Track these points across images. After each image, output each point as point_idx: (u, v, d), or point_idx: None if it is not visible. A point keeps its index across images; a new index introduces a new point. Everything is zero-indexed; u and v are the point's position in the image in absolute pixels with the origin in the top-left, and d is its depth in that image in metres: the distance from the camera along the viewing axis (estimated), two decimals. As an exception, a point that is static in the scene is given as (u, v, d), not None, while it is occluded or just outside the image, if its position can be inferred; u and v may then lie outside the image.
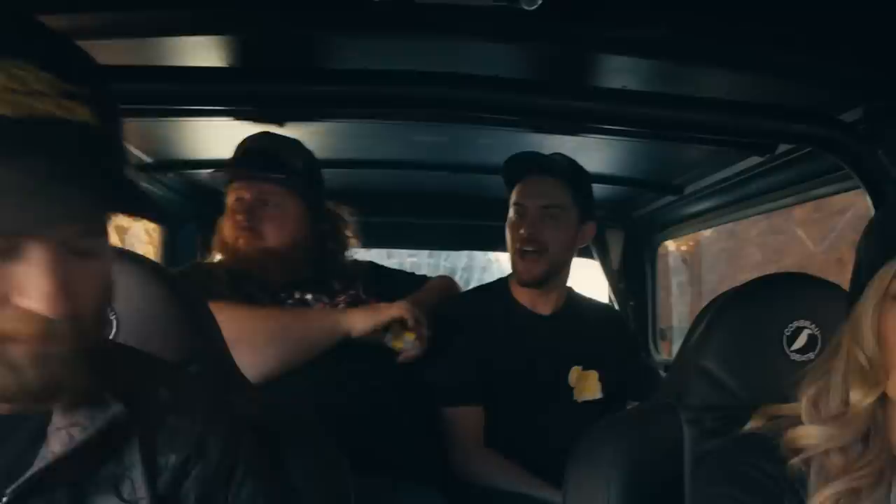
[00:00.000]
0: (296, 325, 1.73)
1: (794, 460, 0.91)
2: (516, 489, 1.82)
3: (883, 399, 0.89)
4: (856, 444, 0.90)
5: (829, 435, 0.90)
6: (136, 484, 0.81)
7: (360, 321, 1.75)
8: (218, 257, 1.94)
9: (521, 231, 1.92)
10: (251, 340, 1.60)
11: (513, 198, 1.97)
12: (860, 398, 0.89)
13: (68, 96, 0.68)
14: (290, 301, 1.85)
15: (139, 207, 0.71)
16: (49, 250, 0.68)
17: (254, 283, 1.84)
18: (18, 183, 0.64)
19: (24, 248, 0.68)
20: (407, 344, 1.78)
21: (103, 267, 0.75)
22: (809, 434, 0.91)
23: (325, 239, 1.95)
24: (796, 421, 0.94)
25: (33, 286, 0.68)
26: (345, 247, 2.00)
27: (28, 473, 0.74)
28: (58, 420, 0.78)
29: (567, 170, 1.95)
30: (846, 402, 0.90)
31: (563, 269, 2.00)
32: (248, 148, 1.86)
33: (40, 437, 0.77)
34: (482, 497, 1.84)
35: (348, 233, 2.00)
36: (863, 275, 0.90)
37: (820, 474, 0.90)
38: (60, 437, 0.77)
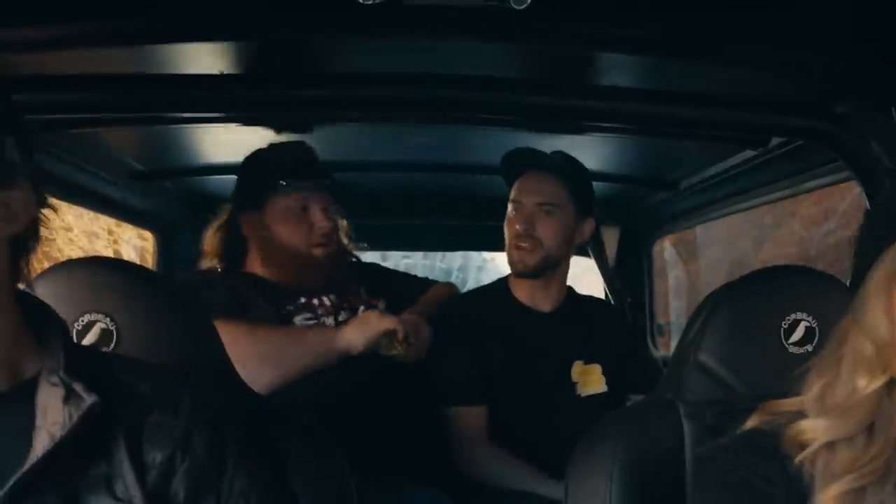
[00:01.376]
0: (293, 347, 1.71)
1: (799, 458, 0.89)
2: (523, 486, 1.82)
3: (890, 387, 0.87)
4: (861, 437, 0.88)
5: (833, 426, 0.88)
6: (128, 482, 0.82)
7: (354, 338, 1.72)
8: (257, 266, 1.93)
9: (517, 227, 1.94)
10: (247, 362, 1.54)
11: (511, 194, 1.99)
12: (865, 384, 0.86)
13: None
14: (296, 304, 1.85)
15: None
16: None
17: (278, 289, 1.85)
18: None
19: None
20: (398, 353, 1.77)
21: None
22: (813, 427, 0.89)
23: (341, 241, 2.00)
24: (799, 416, 0.92)
25: None
26: (351, 248, 2.06)
27: (14, 477, 0.75)
28: (39, 420, 0.79)
29: (563, 166, 1.96)
30: (852, 392, 0.88)
31: (560, 264, 2.00)
32: (307, 159, 1.92)
33: (27, 438, 0.78)
34: (489, 495, 1.85)
35: (347, 235, 2.04)
36: (866, 259, 0.87)
37: (825, 472, 0.88)
38: (42, 437, 0.78)
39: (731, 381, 1.16)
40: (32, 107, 1.41)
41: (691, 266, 6.13)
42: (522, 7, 1.10)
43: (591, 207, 2.03)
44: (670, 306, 3.94)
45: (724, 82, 1.52)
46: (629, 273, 2.93)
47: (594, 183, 2.07)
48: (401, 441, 1.79)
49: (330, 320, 1.86)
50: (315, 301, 1.87)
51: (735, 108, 1.57)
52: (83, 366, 0.84)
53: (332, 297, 1.90)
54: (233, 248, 1.94)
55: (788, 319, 1.15)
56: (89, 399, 0.80)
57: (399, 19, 1.20)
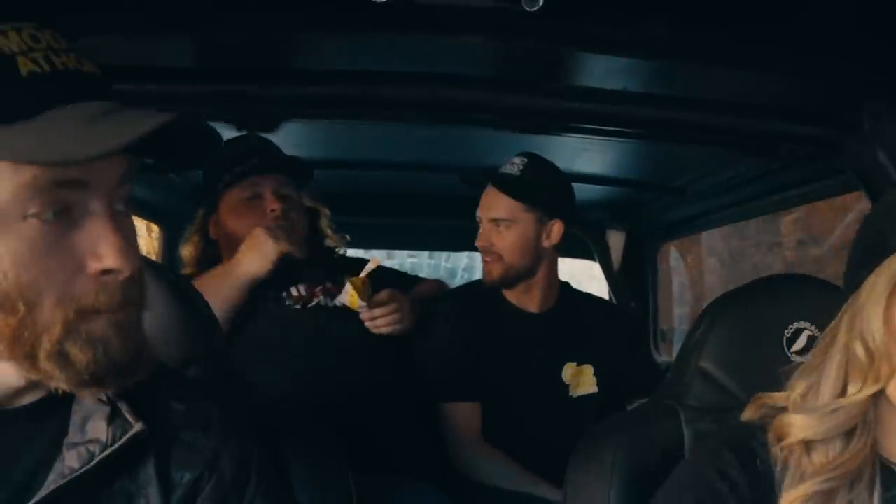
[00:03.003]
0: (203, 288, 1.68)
1: (775, 456, 0.89)
2: (514, 486, 1.82)
3: (878, 396, 0.87)
4: (838, 441, 0.88)
5: (814, 425, 0.88)
6: (151, 500, 0.80)
7: (248, 257, 1.73)
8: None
9: (479, 242, 1.99)
10: None
11: None
12: (856, 390, 0.86)
13: (71, 51, 0.71)
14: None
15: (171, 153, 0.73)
16: (108, 206, 0.70)
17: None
18: (76, 132, 0.65)
19: (89, 205, 0.69)
20: (361, 307, 1.77)
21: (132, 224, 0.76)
22: (796, 422, 0.89)
23: (316, 237, 1.98)
24: (785, 411, 0.92)
25: (106, 243, 0.69)
26: (332, 243, 2.02)
27: (44, 491, 0.73)
28: (73, 435, 0.77)
29: (513, 184, 1.95)
30: (839, 395, 0.88)
31: (533, 271, 2.00)
32: (252, 146, 1.85)
33: (55, 450, 0.76)
34: (482, 494, 1.84)
35: (332, 229, 2.02)
36: (863, 266, 0.87)
37: (796, 471, 0.88)
38: (79, 452, 0.76)
39: (733, 388, 1.16)
40: None
41: (695, 272, 6.12)
42: (535, 9, 1.10)
43: (558, 209, 2.00)
44: (674, 312, 3.93)
45: (733, 89, 1.52)
46: (634, 278, 2.93)
47: (601, 187, 2.07)
48: (398, 439, 1.78)
49: (298, 307, 1.84)
50: (283, 294, 1.85)
51: (743, 115, 1.57)
52: (135, 388, 0.80)
53: (301, 286, 1.86)
54: (206, 253, 1.93)
55: (791, 328, 1.15)
56: (136, 426, 0.78)
57: (408, 18, 1.20)
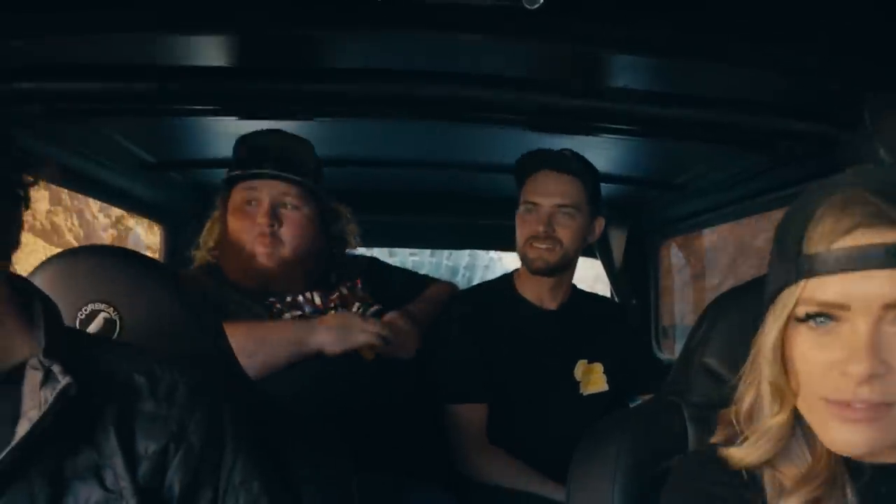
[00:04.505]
0: (269, 340, 1.64)
1: (744, 475, 0.90)
2: (521, 487, 1.82)
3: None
4: (801, 451, 0.89)
5: (749, 453, 0.90)
6: (118, 473, 0.81)
7: (329, 341, 1.67)
8: (200, 258, 1.87)
9: (538, 227, 1.92)
10: None
11: (525, 194, 1.97)
12: (776, 411, 0.88)
13: None
14: (284, 301, 1.80)
15: None
16: None
17: (246, 293, 1.77)
18: None
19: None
20: (371, 356, 1.76)
21: None
22: (734, 454, 0.91)
23: (335, 242, 1.91)
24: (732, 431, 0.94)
25: None
26: (348, 247, 1.96)
27: None
28: (25, 404, 0.78)
29: (581, 168, 1.95)
30: (768, 416, 0.89)
31: (572, 263, 2.01)
32: (261, 145, 1.77)
33: (14, 425, 0.78)
34: (488, 494, 1.84)
35: (351, 233, 1.96)
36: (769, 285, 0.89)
37: (773, 484, 0.89)
38: (23, 423, 0.77)
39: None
40: (39, 96, 1.41)
41: (698, 269, 6.11)
42: (535, 7, 1.10)
43: (601, 206, 2.03)
44: (675, 309, 3.93)
45: (733, 86, 1.52)
46: (635, 275, 2.92)
47: (603, 184, 2.07)
48: (403, 439, 1.77)
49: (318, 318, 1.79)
50: (300, 298, 1.82)
51: (744, 112, 1.56)
52: (71, 350, 0.82)
53: (316, 293, 1.83)
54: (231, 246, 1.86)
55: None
56: (63, 380, 0.78)
57: (412, 15, 1.20)
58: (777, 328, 0.86)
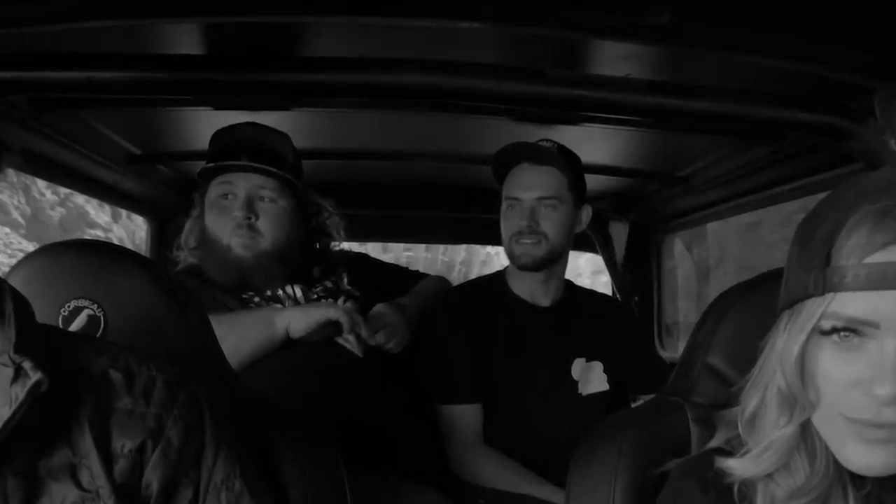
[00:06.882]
0: (235, 329, 1.59)
1: (737, 488, 0.88)
2: (518, 489, 1.79)
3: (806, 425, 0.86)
4: (802, 464, 0.86)
5: (750, 467, 0.88)
6: (94, 472, 0.79)
7: (295, 320, 1.65)
8: (183, 259, 1.85)
9: (522, 223, 1.89)
10: None
11: (506, 190, 1.94)
12: (785, 422, 0.85)
13: None
14: (263, 296, 1.78)
15: None
16: None
17: (226, 290, 1.75)
18: None
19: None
20: (349, 344, 1.73)
21: None
22: (734, 465, 0.89)
23: (316, 235, 1.90)
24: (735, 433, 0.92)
25: None
26: (331, 240, 1.95)
27: None
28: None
29: (559, 158, 1.91)
30: (774, 426, 0.87)
31: (561, 257, 1.97)
32: (236, 138, 1.77)
33: None
34: (483, 496, 1.82)
35: (334, 226, 1.94)
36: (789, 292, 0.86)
37: (765, 496, 0.87)
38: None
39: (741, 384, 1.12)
40: (18, 86, 1.38)
41: (702, 265, 6.09)
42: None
43: (585, 195, 1.99)
44: (679, 306, 3.90)
45: (739, 76, 1.49)
46: (637, 270, 2.89)
47: (603, 177, 2.04)
48: (396, 440, 1.74)
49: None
50: (280, 293, 1.80)
51: (749, 103, 1.54)
52: (43, 347, 0.81)
53: (297, 287, 1.82)
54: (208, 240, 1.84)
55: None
56: (34, 376, 0.77)
57: (409, 4, 1.18)
58: (800, 342, 0.83)
